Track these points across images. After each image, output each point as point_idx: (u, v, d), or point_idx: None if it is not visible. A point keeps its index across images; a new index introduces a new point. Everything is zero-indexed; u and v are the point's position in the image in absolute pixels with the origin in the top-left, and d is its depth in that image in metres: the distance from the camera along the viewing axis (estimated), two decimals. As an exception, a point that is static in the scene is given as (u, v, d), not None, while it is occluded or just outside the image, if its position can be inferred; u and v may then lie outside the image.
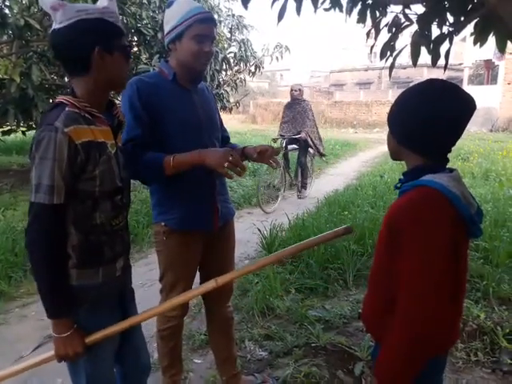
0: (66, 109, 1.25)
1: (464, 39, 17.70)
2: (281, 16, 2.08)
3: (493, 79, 22.65)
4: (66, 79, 6.55)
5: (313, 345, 2.63)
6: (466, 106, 1.13)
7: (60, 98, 1.28)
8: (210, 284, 1.48)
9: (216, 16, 7.49)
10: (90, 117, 1.29)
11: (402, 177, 1.26)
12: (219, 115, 2.08)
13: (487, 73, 23.13)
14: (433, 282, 1.07)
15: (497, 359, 2.47)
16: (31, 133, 7.47)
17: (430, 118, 1.12)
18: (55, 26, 1.24)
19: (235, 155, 1.61)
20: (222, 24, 8.00)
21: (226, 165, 1.57)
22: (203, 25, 1.71)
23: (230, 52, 8.06)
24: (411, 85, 1.27)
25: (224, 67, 7.64)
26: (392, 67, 2.37)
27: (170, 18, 1.76)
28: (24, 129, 6.56)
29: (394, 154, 1.28)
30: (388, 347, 1.14)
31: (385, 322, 1.18)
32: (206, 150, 1.66)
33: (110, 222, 1.37)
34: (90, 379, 1.40)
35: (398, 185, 1.25)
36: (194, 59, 1.74)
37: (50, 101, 6.41)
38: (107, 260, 1.38)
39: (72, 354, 1.31)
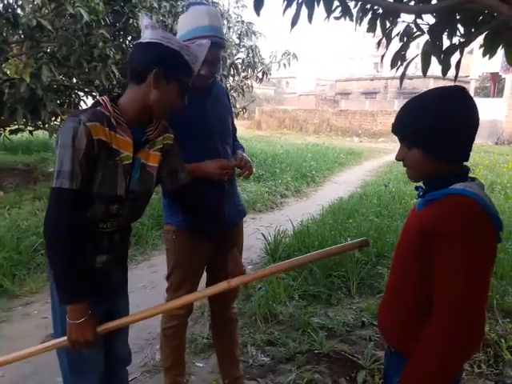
0: (98, 108, 1.34)
1: (471, 51, 17.75)
2: (294, 23, 2.09)
3: (499, 92, 22.66)
4: (75, 80, 6.61)
5: (315, 352, 2.62)
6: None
7: (100, 97, 1.37)
8: (222, 285, 1.49)
9: (225, 22, 7.54)
10: (114, 123, 1.34)
11: (421, 185, 1.24)
12: (233, 121, 2.09)
13: (493, 85, 23.16)
14: (479, 291, 1.04)
15: (500, 371, 2.46)
16: (38, 133, 7.52)
17: (464, 126, 1.13)
18: (141, 40, 1.36)
19: (226, 162, 1.83)
20: (231, 30, 8.07)
21: (225, 174, 1.81)
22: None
23: (238, 58, 8.12)
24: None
25: (232, 73, 7.68)
26: (403, 76, 2.38)
27: (180, 27, 1.78)
28: (31, 128, 6.58)
29: (425, 174, 1.19)
30: (422, 357, 1.08)
31: (412, 332, 1.15)
32: (201, 165, 1.77)
33: (97, 223, 1.41)
34: (71, 360, 1.47)
35: (421, 193, 1.22)
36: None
37: (58, 102, 6.45)
38: (87, 251, 1.43)
39: (82, 341, 1.35)
